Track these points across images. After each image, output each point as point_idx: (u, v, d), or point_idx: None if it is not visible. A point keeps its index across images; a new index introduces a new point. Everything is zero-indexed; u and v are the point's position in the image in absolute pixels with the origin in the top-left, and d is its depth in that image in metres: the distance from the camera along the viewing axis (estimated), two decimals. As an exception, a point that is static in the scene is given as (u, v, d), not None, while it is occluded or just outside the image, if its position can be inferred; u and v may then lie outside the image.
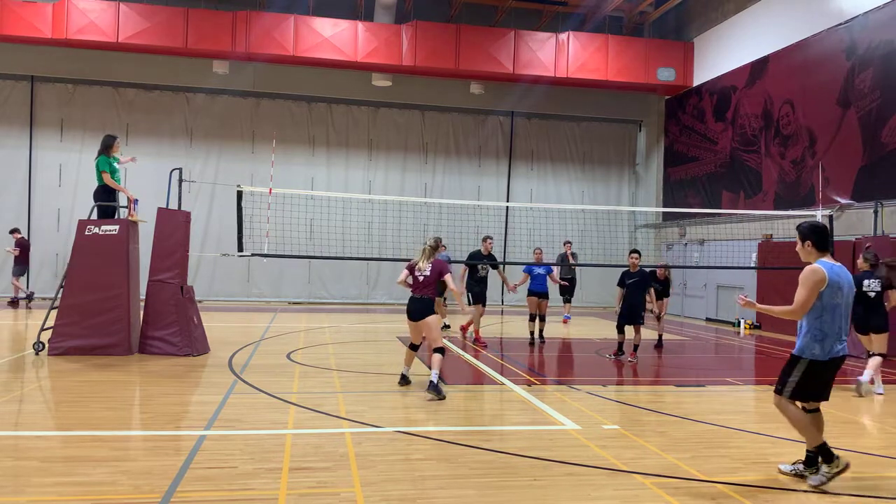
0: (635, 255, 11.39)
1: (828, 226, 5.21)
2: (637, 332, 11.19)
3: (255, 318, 16.78)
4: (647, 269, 11.94)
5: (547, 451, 5.73)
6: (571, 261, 16.92)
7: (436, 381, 7.66)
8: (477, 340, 12.48)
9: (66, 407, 7.13)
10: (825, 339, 4.92)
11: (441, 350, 7.92)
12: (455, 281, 8.22)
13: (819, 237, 5.08)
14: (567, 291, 17.59)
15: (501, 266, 13.62)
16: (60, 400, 7.49)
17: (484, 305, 12.97)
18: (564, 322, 17.09)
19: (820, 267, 4.93)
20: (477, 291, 12.84)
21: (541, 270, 12.98)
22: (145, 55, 19.54)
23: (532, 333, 12.86)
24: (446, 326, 14.29)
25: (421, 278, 8.01)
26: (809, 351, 4.96)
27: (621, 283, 11.35)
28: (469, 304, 12.58)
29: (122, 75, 20.37)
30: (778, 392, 5.09)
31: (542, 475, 5.16)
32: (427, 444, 5.92)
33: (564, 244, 17.11)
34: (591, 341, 14.16)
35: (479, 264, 12.75)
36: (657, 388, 9.31)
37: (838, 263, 5.08)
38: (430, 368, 7.86)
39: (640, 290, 11.22)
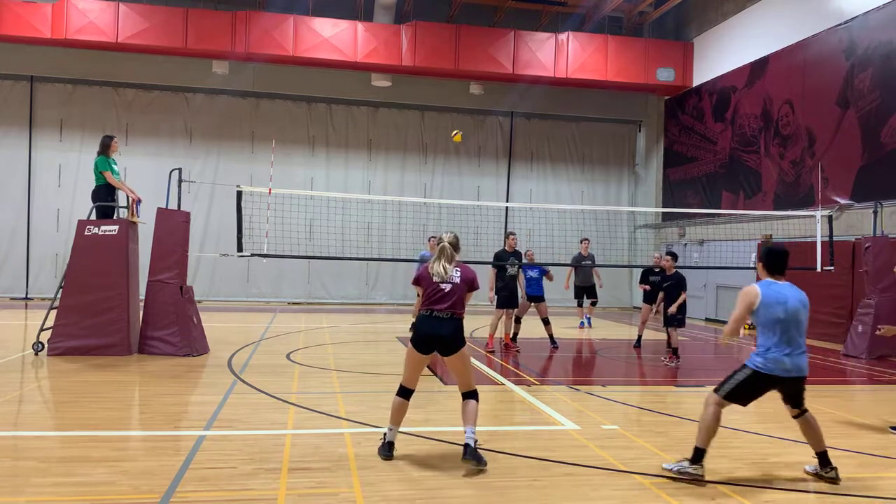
0: (668, 259, 11.16)
1: (788, 252, 5.41)
2: (671, 333, 10.96)
3: (255, 318, 16.78)
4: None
5: (546, 452, 5.73)
6: (587, 261, 16.05)
7: (474, 444, 5.25)
8: (488, 345, 11.90)
9: (66, 407, 7.12)
10: (767, 353, 5.08)
11: (476, 394, 5.50)
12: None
13: (771, 260, 5.30)
14: (588, 294, 16.54)
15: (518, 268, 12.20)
16: (59, 400, 7.49)
17: (512, 308, 11.90)
18: (580, 328, 16.21)
19: (753, 287, 5.16)
20: (504, 296, 11.77)
21: (533, 273, 12.40)
22: (145, 55, 19.52)
23: (515, 335, 12.13)
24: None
25: (447, 287, 5.48)
26: (753, 361, 5.13)
27: (660, 287, 11.44)
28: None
29: (122, 75, 20.36)
30: (715, 391, 5.25)
31: (541, 475, 5.16)
32: (427, 444, 5.91)
33: (581, 242, 16.18)
34: (591, 342, 14.17)
35: (508, 264, 11.72)
36: (657, 388, 9.31)
37: (789, 283, 5.24)
38: (465, 425, 5.37)
39: (675, 292, 10.94)
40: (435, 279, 5.51)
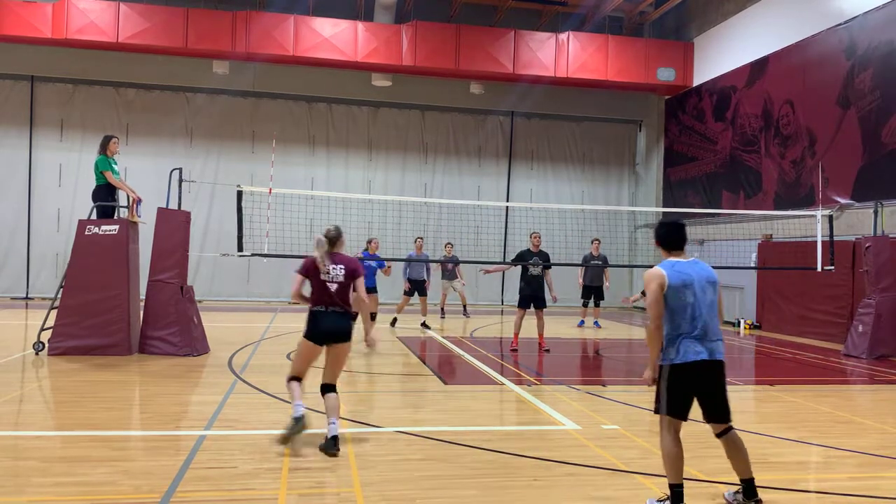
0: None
1: (681, 223, 4.75)
2: None
3: (255, 318, 16.78)
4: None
5: (547, 451, 5.73)
6: (598, 262, 16.22)
7: (338, 434, 5.57)
8: (513, 343, 11.89)
9: (66, 407, 7.13)
10: (679, 341, 4.50)
11: (335, 388, 5.86)
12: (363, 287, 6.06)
13: (663, 235, 4.68)
14: (596, 294, 16.61)
15: (542, 267, 11.96)
16: (60, 400, 7.49)
17: (531, 308, 11.75)
18: (579, 327, 16.27)
19: (656, 269, 4.54)
20: (526, 294, 11.79)
21: (371, 264, 12.26)
22: (145, 55, 19.51)
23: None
24: (426, 326, 14.03)
25: (334, 286, 5.80)
26: (667, 356, 4.56)
27: None
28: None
29: (122, 75, 20.34)
30: (655, 412, 4.63)
31: (542, 475, 5.16)
32: (427, 444, 5.92)
33: (592, 242, 16.48)
34: (591, 341, 14.17)
35: (531, 263, 11.72)
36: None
37: (691, 259, 4.63)
38: (331, 416, 5.62)
39: None
40: (322, 277, 5.82)
